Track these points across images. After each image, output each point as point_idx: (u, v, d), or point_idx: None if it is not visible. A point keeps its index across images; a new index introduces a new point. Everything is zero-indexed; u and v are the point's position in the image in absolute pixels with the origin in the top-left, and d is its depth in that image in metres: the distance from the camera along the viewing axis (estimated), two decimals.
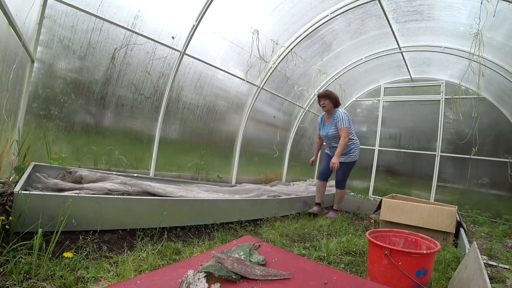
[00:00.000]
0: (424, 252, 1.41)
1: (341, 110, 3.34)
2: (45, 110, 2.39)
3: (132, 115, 3.00)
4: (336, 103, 3.38)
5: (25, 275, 1.14)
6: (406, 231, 1.77)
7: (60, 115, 2.49)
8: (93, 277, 1.21)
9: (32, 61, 2.19)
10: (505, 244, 2.75)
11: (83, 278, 1.19)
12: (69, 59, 2.47)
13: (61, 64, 2.44)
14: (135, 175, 2.81)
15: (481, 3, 2.79)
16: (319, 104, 3.43)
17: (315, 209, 3.43)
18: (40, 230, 1.23)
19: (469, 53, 3.42)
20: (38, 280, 1.12)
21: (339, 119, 3.27)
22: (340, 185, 3.50)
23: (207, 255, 1.13)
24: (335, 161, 3.11)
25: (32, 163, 2.13)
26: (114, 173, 2.65)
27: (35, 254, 1.18)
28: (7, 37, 1.62)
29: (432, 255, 1.45)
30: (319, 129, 3.60)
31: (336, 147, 3.30)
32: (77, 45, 2.47)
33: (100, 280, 1.21)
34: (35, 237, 1.21)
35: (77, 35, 2.44)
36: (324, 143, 3.70)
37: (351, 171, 3.52)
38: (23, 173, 1.86)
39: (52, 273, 1.17)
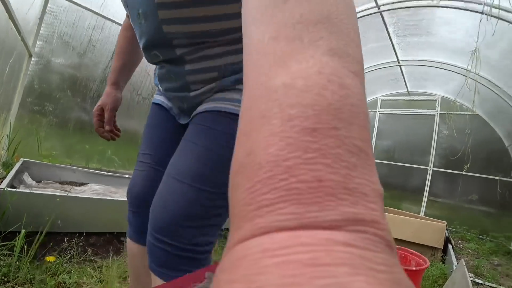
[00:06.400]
0: (414, 268, 1.41)
1: None
2: (39, 105, 2.36)
3: (128, 115, 2.97)
4: None
5: (3, 278, 1.10)
6: (396, 246, 1.77)
7: (54, 111, 2.46)
8: (75, 282, 1.18)
9: (30, 56, 2.17)
10: (491, 262, 2.77)
11: (64, 284, 1.16)
12: (68, 55, 2.44)
13: (59, 60, 2.41)
14: (127, 176, 2.77)
15: (480, 21, 2.85)
16: None
17: None
18: (23, 231, 1.19)
19: (466, 70, 3.48)
20: (16, 284, 1.08)
21: None
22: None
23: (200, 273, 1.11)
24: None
25: (21, 159, 2.09)
26: (105, 173, 2.61)
27: (16, 256, 1.14)
28: (6, 31, 1.60)
29: (421, 272, 1.45)
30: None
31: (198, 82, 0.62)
32: (77, 42, 2.45)
33: (82, 286, 1.18)
34: (17, 238, 1.18)
35: (78, 31, 2.43)
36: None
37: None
38: (11, 169, 1.82)
39: (32, 276, 1.14)
